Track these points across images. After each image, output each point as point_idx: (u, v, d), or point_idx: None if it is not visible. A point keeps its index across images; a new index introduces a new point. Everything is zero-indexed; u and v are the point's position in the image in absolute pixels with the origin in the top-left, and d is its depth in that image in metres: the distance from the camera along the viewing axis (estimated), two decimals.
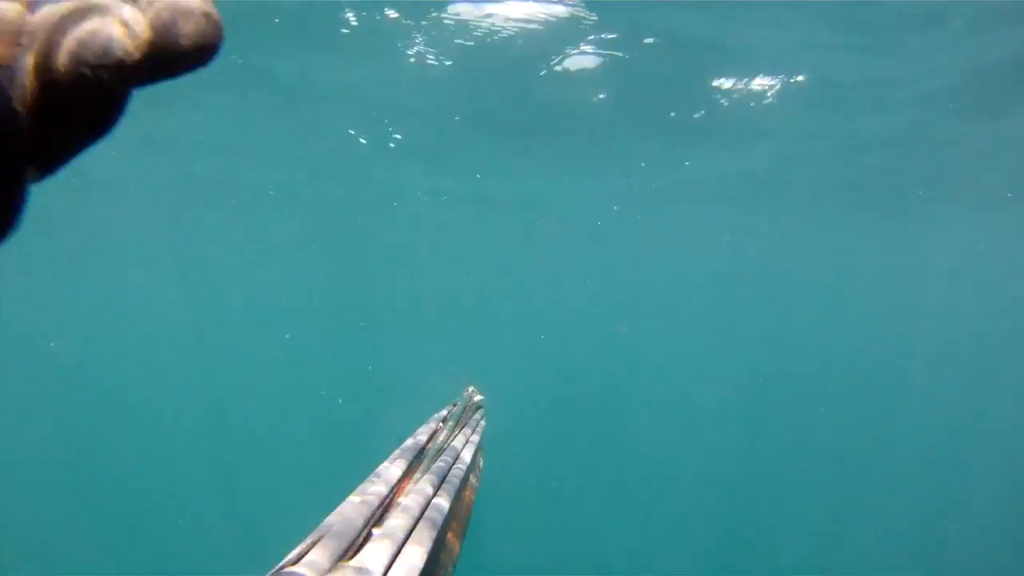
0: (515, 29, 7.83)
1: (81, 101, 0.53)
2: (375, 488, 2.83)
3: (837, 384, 28.96)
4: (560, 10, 7.39)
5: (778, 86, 9.51)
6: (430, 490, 1.99)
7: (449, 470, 1.64)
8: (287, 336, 30.31)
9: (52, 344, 27.38)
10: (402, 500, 2.71)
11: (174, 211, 18.48)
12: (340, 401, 23.29)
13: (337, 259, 26.63)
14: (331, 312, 31.94)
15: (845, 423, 25.54)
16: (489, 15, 7.58)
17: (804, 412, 26.85)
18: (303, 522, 2.66)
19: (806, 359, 31.93)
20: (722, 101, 10.13)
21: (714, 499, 18.77)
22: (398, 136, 12.55)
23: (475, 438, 2.51)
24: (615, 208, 19.28)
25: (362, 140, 12.80)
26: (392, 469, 2.97)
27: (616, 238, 24.16)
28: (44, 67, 0.53)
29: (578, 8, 7.35)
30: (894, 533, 17.27)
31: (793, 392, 28.23)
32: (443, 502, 2.29)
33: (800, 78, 9.23)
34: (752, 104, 10.17)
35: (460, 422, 2.66)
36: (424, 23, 7.80)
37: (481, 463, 2.99)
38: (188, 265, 24.42)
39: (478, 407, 3.81)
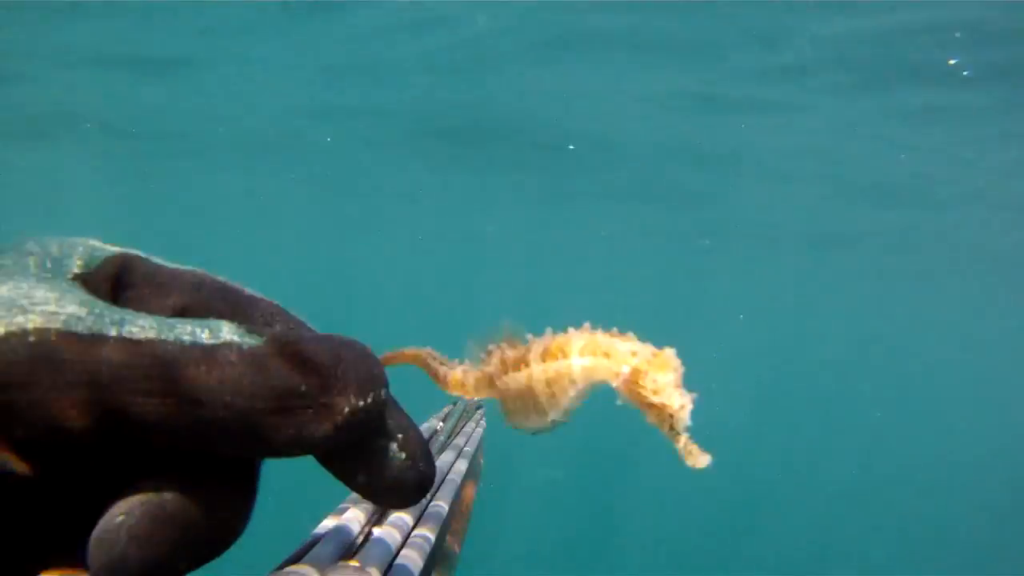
0: None
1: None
2: None
3: None
4: None
5: None
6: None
7: (449, 470, 1.64)
8: None
9: None
10: None
11: None
12: None
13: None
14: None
15: None
16: None
17: None
18: (302, 522, 2.63)
19: None
20: None
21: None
22: None
23: (476, 436, 2.52)
24: None
25: None
26: None
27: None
28: None
29: None
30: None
31: None
32: (443, 502, 2.30)
33: None
34: None
35: (460, 421, 2.69)
36: None
37: (482, 462, 2.99)
38: None
39: (479, 406, 3.82)
